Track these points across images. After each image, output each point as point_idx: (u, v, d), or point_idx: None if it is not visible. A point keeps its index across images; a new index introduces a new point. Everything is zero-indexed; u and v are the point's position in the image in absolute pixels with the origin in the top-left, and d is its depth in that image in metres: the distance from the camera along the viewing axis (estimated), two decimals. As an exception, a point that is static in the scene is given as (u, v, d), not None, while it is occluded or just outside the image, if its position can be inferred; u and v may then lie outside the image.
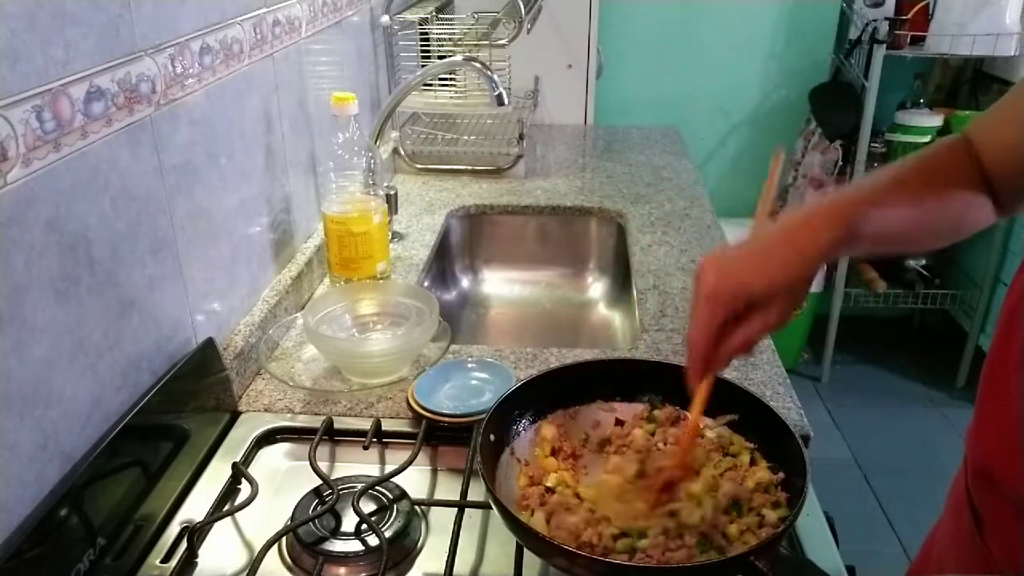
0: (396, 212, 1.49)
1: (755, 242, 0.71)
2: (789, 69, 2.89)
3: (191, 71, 0.92)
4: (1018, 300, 0.74)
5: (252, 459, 0.93)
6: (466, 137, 1.90)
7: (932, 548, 0.90)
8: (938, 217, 0.76)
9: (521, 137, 1.84)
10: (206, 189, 0.98)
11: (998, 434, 0.75)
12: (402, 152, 1.87)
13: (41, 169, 0.68)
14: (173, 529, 0.82)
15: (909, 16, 2.50)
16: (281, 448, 0.96)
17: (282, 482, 0.91)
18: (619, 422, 0.86)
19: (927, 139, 2.63)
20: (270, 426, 0.97)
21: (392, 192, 1.43)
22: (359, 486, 0.84)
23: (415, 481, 0.89)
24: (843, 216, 0.69)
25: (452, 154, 1.88)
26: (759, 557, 0.63)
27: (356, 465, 0.93)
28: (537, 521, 0.73)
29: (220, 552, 0.80)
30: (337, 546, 0.78)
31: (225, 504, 0.86)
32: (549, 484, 0.78)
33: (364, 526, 0.79)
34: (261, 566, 0.74)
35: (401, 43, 1.80)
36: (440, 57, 1.75)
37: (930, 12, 2.51)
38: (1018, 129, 0.73)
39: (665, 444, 0.82)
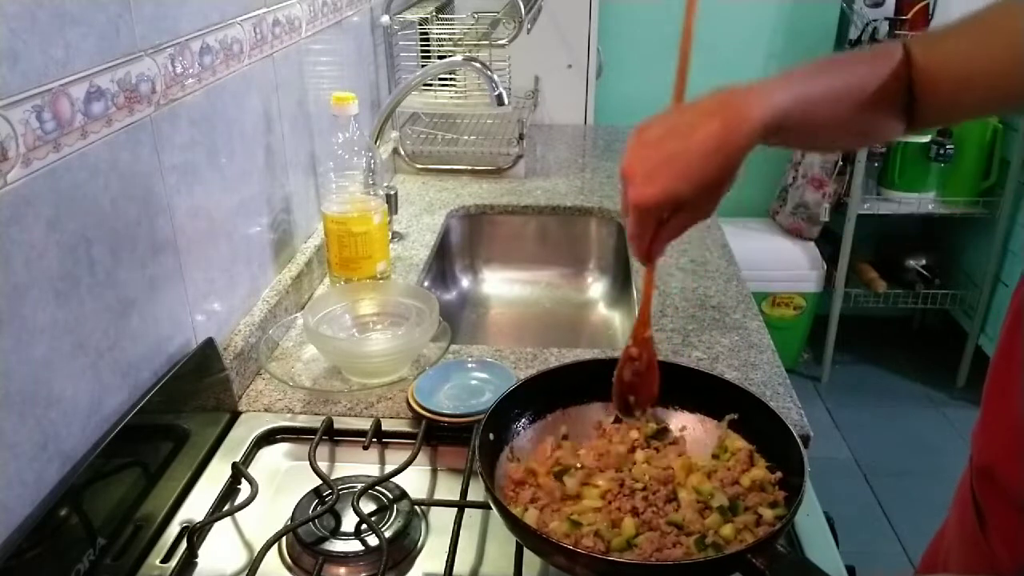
0: (396, 212, 1.49)
1: (679, 118, 0.69)
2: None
3: (191, 71, 0.92)
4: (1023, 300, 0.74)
5: (252, 459, 0.93)
6: (466, 137, 1.90)
7: (940, 545, 0.91)
8: (858, 117, 0.73)
9: (521, 137, 1.84)
10: (206, 189, 0.98)
11: (1000, 434, 0.75)
12: (402, 152, 1.87)
13: (41, 169, 0.68)
14: (173, 529, 0.82)
15: (909, 16, 2.50)
16: (281, 448, 0.96)
17: (282, 482, 0.91)
18: (618, 420, 0.86)
19: (927, 139, 2.63)
20: (270, 426, 0.97)
21: (392, 192, 1.43)
22: (359, 486, 0.84)
23: (415, 481, 0.89)
24: (776, 91, 0.67)
25: (452, 154, 1.88)
26: (756, 554, 0.63)
27: (356, 465, 0.93)
28: (530, 518, 0.73)
29: (220, 552, 0.80)
30: (337, 546, 0.78)
31: (225, 504, 0.86)
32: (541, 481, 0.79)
33: (364, 526, 0.79)
34: (261, 566, 0.74)
35: (401, 43, 1.80)
36: (440, 57, 1.75)
37: (930, 12, 2.50)
38: (965, 45, 0.71)
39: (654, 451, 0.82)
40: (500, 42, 1.73)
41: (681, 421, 0.86)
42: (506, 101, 1.40)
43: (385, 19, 1.71)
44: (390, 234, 1.39)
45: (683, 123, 0.68)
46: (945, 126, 0.80)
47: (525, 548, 0.74)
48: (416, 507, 0.84)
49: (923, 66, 0.71)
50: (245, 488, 0.87)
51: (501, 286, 1.70)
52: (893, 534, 2.28)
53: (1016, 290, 0.76)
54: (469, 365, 1.05)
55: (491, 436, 0.80)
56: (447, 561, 0.76)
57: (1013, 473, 0.72)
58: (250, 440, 0.94)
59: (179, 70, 0.90)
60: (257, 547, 0.77)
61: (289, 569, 0.78)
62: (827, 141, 0.79)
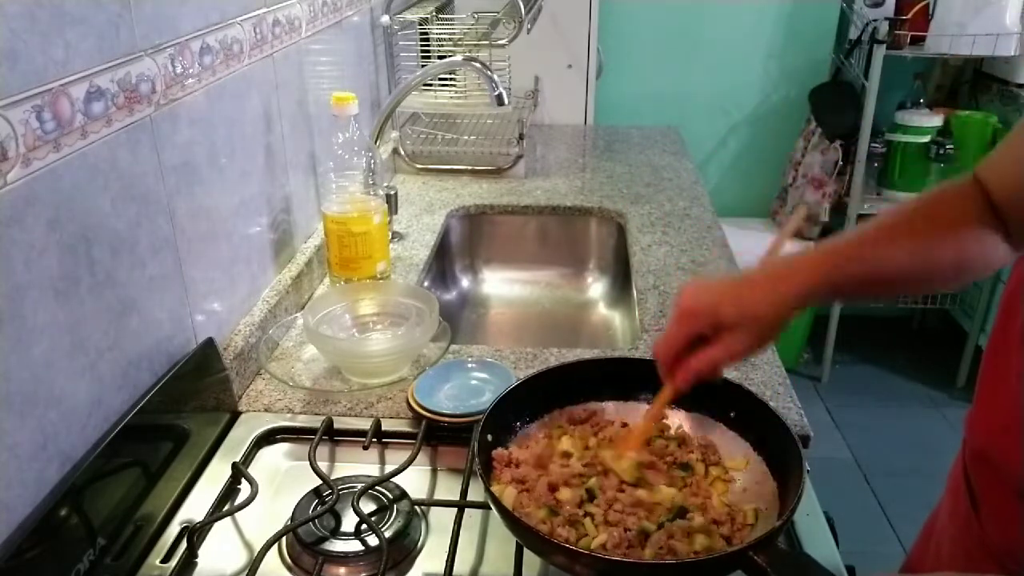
0: (396, 212, 1.49)
1: (739, 277, 0.75)
2: (789, 69, 2.89)
3: (191, 71, 0.92)
4: (1019, 282, 0.76)
5: (252, 459, 0.93)
6: (466, 137, 1.90)
7: (932, 530, 0.93)
8: (937, 258, 0.74)
9: (521, 137, 1.84)
10: (206, 189, 0.98)
11: (998, 414, 0.76)
12: (402, 152, 1.87)
13: (41, 169, 0.68)
14: (173, 529, 0.82)
15: (909, 16, 2.50)
16: (281, 448, 0.96)
17: (282, 482, 0.91)
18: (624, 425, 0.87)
19: (927, 139, 2.63)
20: (270, 426, 0.97)
21: (392, 192, 1.43)
22: (359, 486, 0.84)
23: (415, 481, 0.89)
24: (822, 266, 0.72)
25: (452, 154, 1.88)
26: (758, 551, 0.63)
27: (356, 465, 0.93)
28: (508, 497, 0.74)
29: (220, 552, 0.80)
30: (337, 546, 0.78)
31: (225, 504, 0.86)
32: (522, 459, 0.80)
33: (364, 526, 0.79)
34: (261, 566, 0.74)
35: (401, 43, 1.80)
36: (440, 57, 1.75)
37: (930, 12, 2.51)
38: (1013, 151, 0.73)
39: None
40: (500, 42, 1.73)
41: (680, 420, 0.86)
42: (506, 101, 1.40)
43: (385, 19, 1.71)
44: (390, 234, 1.39)
45: (742, 280, 0.75)
46: None
47: (525, 548, 0.74)
48: (416, 507, 0.84)
49: (988, 182, 0.74)
50: (245, 488, 0.87)
51: (501, 286, 1.70)
52: (893, 534, 2.28)
53: (1011, 274, 0.78)
54: (469, 365, 1.05)
55: (489, 437, 0.80)
56: (447, 561, 0.76)
57: (1011, 449, 0.73)
58: (250, 440, 0.94)
59: (179, 70, 0.90)
60: (257, 547, 0.77)
61: (289, 569, 0.78)
62: (910, 275, 0.75)
